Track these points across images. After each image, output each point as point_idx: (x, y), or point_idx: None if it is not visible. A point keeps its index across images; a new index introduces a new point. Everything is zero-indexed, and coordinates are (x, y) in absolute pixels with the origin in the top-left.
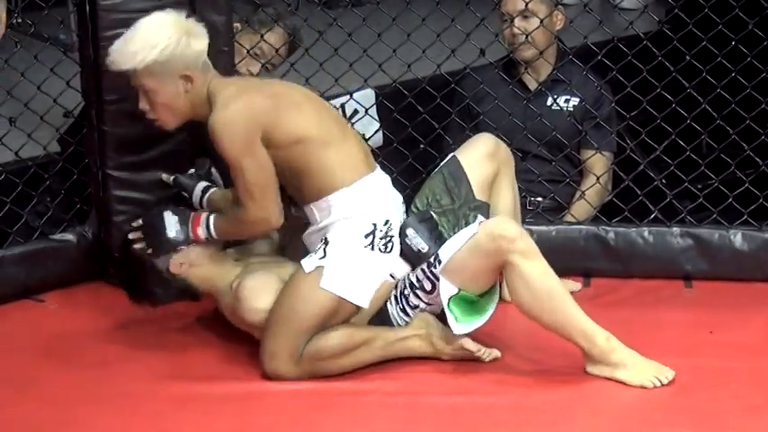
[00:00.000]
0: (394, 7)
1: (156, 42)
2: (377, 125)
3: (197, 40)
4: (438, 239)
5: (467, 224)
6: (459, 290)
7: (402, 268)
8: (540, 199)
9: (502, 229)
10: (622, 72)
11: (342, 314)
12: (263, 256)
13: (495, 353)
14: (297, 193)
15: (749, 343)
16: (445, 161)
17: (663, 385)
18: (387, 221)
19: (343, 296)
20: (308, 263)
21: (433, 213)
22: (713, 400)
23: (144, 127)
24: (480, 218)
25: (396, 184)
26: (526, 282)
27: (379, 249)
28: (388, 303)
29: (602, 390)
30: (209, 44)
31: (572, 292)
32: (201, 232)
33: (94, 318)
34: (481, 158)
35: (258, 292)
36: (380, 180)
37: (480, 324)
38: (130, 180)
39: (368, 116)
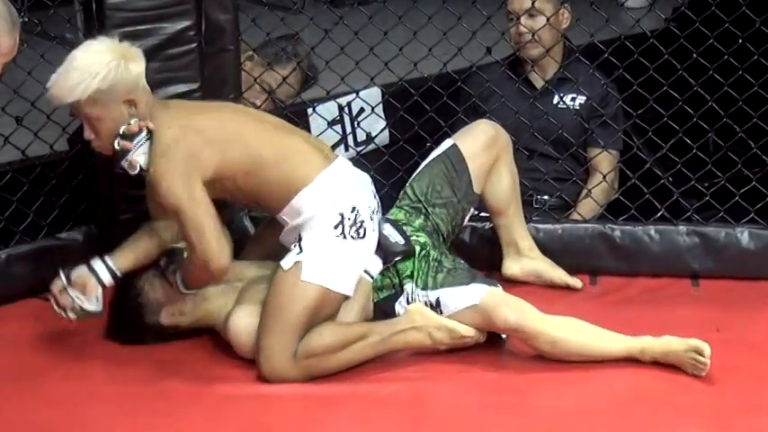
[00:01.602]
0: (400, 5)
1: (95, 71)
2: (383, 123)
3: (135, 63)
4: (408, 242)
5: (462, 218)
6: None
7: (375, 264)
8: (546, 197)
9: (504, 314)
10: (629, 70)
11: (329, 306)
12: (260, 269)
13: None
14: (265, 208)
15: (756, 341)
16: (445, 149)
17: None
18: (353, 208)
19: (325, 285)
20: (286, 261)
21: (405, 226)
22: (720, 398)
23: None
24: (481, 284)
25: (401, 182)
26: (544, 349)
27: (352, 237)
28: (397, 304)
29: (607, 389)
30: (215, 42)
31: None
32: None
33: (100, 317)
34: (481, 148)
35: (245, 330)
36: (341, 169)
37: None
38: (136, 179)
39: (374, 114)
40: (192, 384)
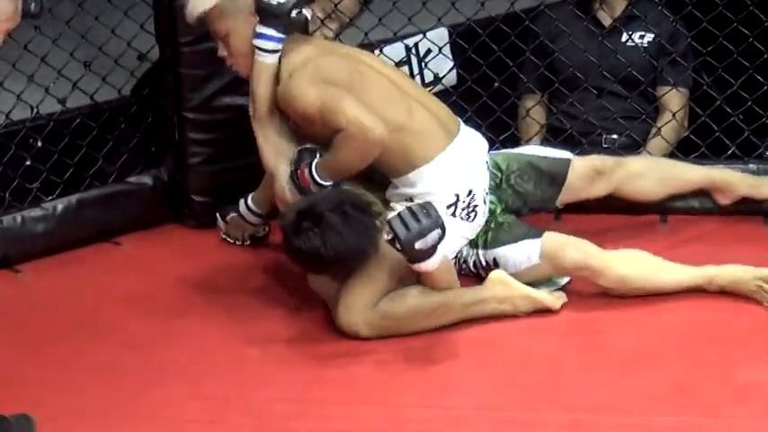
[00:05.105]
0: None
1: None
2: (450, 64)
3: None
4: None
5: (527, 211)
6: None
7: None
8: (615, 136)
9: (570, 255)
10: (698, 7)
11: (416, 273)
12: None
13: (563, 297)
14: (378, 169)
15: None
16: (560, 157)
17: None
18: (470, 192)
19: None
20: None
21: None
22: None
23: (220, 68)
24: (534, 238)
25: (470, 123)
26: (611, 285)
27: (461, 218)
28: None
29: (682, 324)
30: None
31: None
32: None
33: (170, 260)
34: (585, 175)
35: None
36: (463, 145)
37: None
38: (206, 122)
39: (441, 55)
40: (266, 329)
